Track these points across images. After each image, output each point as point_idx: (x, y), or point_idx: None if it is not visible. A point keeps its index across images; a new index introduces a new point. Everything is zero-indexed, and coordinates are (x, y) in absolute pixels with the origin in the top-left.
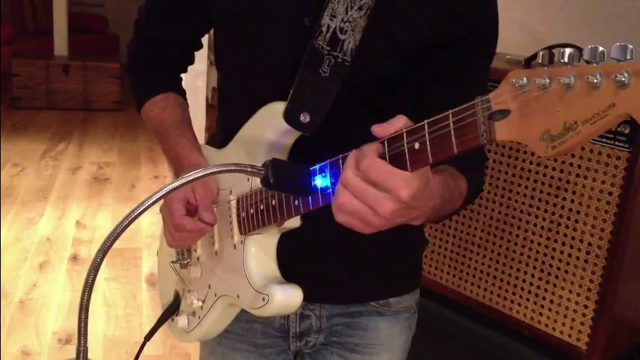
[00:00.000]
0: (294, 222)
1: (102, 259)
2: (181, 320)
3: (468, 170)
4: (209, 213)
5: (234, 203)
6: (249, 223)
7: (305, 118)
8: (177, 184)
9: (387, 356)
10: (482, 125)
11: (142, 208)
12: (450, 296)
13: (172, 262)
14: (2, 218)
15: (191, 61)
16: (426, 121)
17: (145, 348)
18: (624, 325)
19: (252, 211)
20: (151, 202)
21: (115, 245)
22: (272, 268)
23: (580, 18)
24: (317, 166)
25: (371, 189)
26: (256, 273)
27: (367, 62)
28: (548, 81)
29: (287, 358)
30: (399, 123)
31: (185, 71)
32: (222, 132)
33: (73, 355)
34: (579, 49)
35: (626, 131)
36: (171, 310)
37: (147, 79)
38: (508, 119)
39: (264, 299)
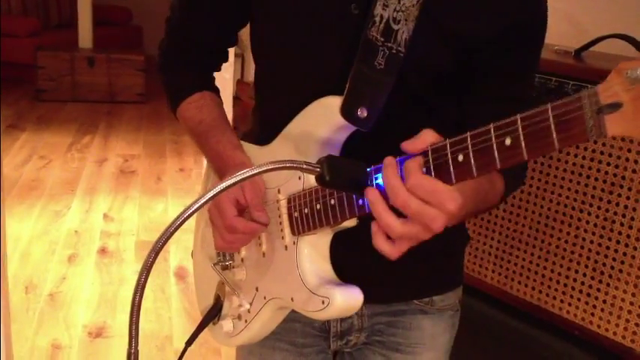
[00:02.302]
0: (351, 221)
1: (154, 259)
2: (226, 324)
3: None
4: (262, 213)
5: (284, 203)
6: (304, 224)
7: (362, 112)
8: (229, 182)
9: (430, 355)
10: (591, 120)
11: (193, 208)
12: (494, 294)
13: (214, 264)
14: (29, 211)
15: (226, 58)
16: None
17: (174, 341)
18: None
19: (306, 210)
20: (204, 201)
21: (143, 238)
22: (327, 269)
23: (625, 8)
24: (375, 167)
25: (427, 209)
26: (312, 275)
27: (421, 53)
28: None
29: (326, 358)
30: (428, 137)
31: (219, 69)
32: (260, 128)
33: (104, 348)
34: (634, 40)
35: None
36: (212, 314)
37: (181, 78)
38: (621, 113)
39: (323, 302)
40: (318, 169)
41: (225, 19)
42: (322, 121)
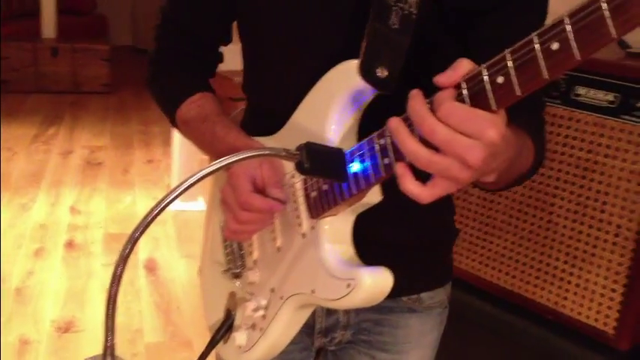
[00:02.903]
0: (375, 196)
1: (131, 250)
2: (239, 337)
3: (532, 132)
4: (280, 190)
5: (299, 185)
6: (322, 202)
7: (382, 72)
8: (209, 169)
9: (417, 354)
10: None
11: (172, 196)
12: (468, 280)
13: (224, 270)
14: None
15: (220, 59)
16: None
17: (145, 335)
18: None
19: (325, 187)
20: (184, 187)
21: (111, 230)
22: (350, 252)
23: None
24: (354, 147)
25: (459, 137)
26: (333, 259)
27: (432, 15)
28: None
29: (309, 355)
30: (464, 66)
31: (214, 74)
32: (256, 115)
33: (73, 343)
34: None
35: None
36: (224, 330)
37: (179, 81)
38: None
39: (349, 285)
40: (297, 156)
41: (216, 8)
42: (340, 89)
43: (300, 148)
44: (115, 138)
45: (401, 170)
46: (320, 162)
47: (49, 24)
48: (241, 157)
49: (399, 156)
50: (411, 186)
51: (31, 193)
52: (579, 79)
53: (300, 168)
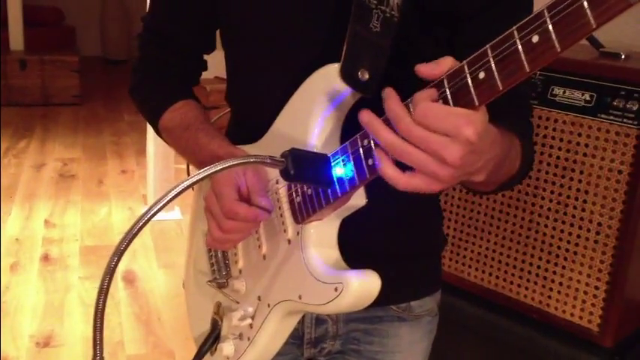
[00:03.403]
0: (359, 199)
1: (118, 261)
2: (227, 347)
3: (519, 133)
4: (264, 198)
5: (283, 191)
6: (307, 207)
7: (364, 75)
8: (193, 179)
9: None
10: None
11: (157, 208)
12: (451, 282)
13: (209, 281)
14: None
15: (204, 67)
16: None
17: (126, 347)
18: (636, 305)
19: (309, 191)
20: (168, 198)
21: (88, 243)
22: (336, 257)
23: None
24: (337, 150)
25: (433, 135)
26: (319, 264)
27: (413, 19)
28: None
29: None
30: (447, 63)
31: (198, 81)
32: (240, 124)
33: (53, 358)
34: None
35: (635, 107)
36: (210, 342)
37: (161, 90)
38: None
39: (336, 289)
40: (283, 163)
41: (198, 16)
42: (321, 93)
43: (284, 155)
44: (87, 150)
45: (379, 154)
46: (305, 168)
47: (16, 36)
48: (226, 165)
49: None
50: (389, 170)
51: (5, 207)
52: (555, 80)
53: (285, 175)
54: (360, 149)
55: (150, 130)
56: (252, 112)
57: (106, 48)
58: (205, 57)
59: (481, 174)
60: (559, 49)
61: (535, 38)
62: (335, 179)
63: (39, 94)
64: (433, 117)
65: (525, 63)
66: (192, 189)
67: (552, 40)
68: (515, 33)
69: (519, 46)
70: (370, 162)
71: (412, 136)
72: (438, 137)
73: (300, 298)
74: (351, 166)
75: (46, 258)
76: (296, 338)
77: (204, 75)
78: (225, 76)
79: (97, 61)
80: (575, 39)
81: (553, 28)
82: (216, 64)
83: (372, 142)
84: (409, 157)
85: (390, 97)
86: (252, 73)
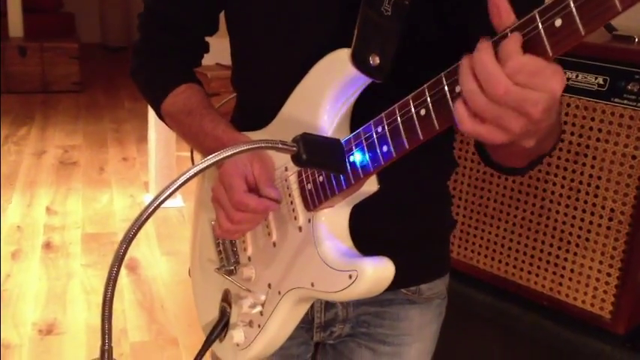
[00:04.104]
0: (372, 186)
1: (126, 249)
2: (237, 334)
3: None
4: (273, 189)
5: (293, 178)
6: (319, 194)
7: (374, 60)
8: (201, 166)
9: (417, 347)
10: None
11: (166, 194)
12: (461, 269)
13: (218, 268)
14: None
15: (206, 49)
16: None
17: (130, 334)
18: None
19: (320, 178)
20: (177, 185)
21: (90, 230)
22: (349, 244)
23: None
24: (350, 137)
25: (530, 92)
26: (332, 251)
27: (424, 2)
28: None
29: (308, 350)
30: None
31: (199, 63)
32: (246, 110)
33: (56, 345)
34: None
35: None
36: (219, 329)
37: (163, 73)
38: None
39: (350, 276)
40: (295, 148)
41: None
42: (332, 78)
43: (296, 139)
44: (88, 137)
45: (459, 108)
46: (318, 153)
47: (16, 23)
48: (238, 150)
49: (398, 144)
50: (461, 109)
51: (6, 194)
52: (568, 64)
53: (297, 160)
54: (375, 135)
55: (151, 117)
56: (259, 98)
57: (105, 35)
58: (207, 40)
59: (536, 136)
60: (583, 33)
61: (558, 22)
62: (348, 165)
63: (39, 81)
64: (526, 74)
65: (548, 47)
66: None
67: (576, 24)
68: (537, 16)
69: (541, 30)
70: (385, 149)
71: (509, 97)
72: (532, 94)
73: (312, 285)
74: (366, 152)
75: (47, 245)
76: (305, 322)
77: (205, 61)
78: (226, 63)
79: (96, 48)
80: (601, 22)
81: (577, 11)
82: (217, 50)
83: (386, 128)
84: (490, 113)
85: (484, 50)
86: (260, 58)
